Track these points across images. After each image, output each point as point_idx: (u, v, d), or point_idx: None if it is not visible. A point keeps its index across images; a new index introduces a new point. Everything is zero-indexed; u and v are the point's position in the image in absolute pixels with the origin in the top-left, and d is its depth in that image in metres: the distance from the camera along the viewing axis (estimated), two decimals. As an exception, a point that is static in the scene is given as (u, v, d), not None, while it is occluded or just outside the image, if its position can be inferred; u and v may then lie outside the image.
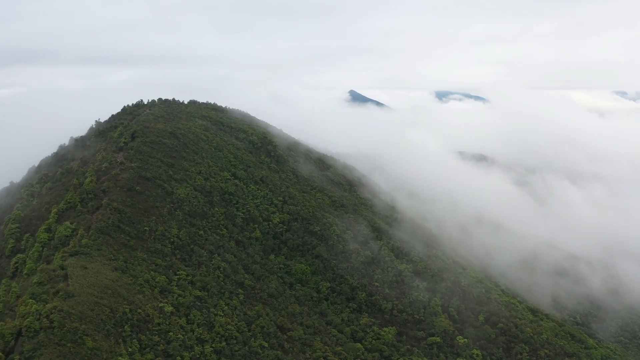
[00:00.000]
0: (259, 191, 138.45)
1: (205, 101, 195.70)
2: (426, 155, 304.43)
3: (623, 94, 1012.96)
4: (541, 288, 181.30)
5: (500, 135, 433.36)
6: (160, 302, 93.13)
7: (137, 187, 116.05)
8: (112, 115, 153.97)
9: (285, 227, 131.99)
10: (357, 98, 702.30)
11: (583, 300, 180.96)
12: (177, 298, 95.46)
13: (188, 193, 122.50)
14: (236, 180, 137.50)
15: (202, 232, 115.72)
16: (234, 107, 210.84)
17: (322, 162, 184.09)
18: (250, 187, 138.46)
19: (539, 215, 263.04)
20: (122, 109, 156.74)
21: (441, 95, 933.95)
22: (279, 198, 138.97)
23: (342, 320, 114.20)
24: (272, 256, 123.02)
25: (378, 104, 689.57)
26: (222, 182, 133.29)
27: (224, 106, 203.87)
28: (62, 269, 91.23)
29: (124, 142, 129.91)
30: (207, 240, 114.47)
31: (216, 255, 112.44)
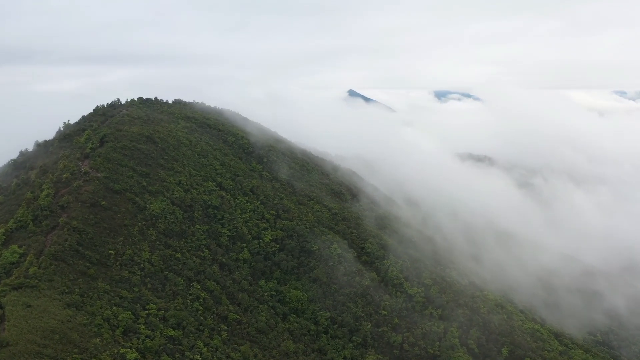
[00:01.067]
0: (249, 204, 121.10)
1: (192, 100, 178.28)
2: (426, 158, 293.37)
3: (622, 93, 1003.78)
4: (557, 303, 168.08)
5: (499, 135, 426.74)
6: (123, 346, 75.77)
7: (103, 202, 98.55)
8: (83, 117, 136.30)
9: (278, 246, 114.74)
10: (355, 98, 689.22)
11: (601, 317, 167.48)
12: (144, 341, 78.18)
13: (164, 208, 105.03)
14: (222, 192, 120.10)
15: (179, 254, 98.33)
16: (225, 108, 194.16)
17: (320, 168, 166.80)
18: (238, 199, 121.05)
19: (547, 221, 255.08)
20: (94, 109, 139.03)
21: (440, 95, 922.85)
22: (271, 212, 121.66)
23: (345, 358, 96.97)
24: (262, 282, 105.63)
25: (377, 103, 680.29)
26: (205, 194, 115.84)
27: (212, 106, 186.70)
28: (0, 307, 73.74)
29: (91, 148, 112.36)
30: (184, 265, 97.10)
31: (195, 282, 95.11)
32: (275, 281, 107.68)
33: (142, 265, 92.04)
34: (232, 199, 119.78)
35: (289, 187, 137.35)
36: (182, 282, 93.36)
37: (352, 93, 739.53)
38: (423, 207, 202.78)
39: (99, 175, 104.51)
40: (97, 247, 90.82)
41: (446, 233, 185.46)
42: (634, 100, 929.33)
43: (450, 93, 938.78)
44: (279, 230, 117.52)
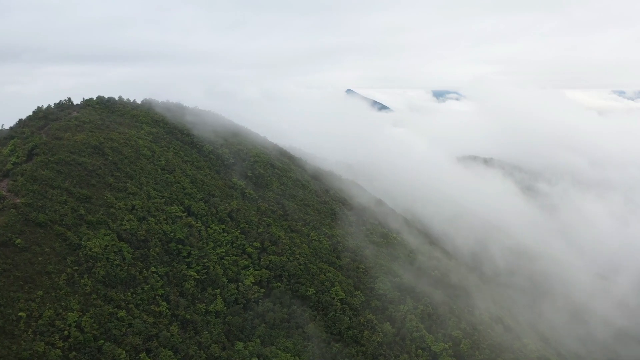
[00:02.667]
0: (225, 234, 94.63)
1: (165, 100, 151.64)
2: (425, 163, 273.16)
3: (621, 93, 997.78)
4: (595, 339, 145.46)
5: (497, 136, 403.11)
6: None
7: (18, 240, 72.08)
8: (20, 120, 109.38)
9: (263, 290, 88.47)
10: (353, 98, 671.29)
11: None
12: None
13: (107, 245, 78.51)
14: (190, 219, 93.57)
15: (123, 312, 71.87)
16: (206, 109, 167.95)
17: (316, 181, 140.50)
18: (212, 227, 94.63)
19: (561, 233, 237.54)
20: (33, 112, 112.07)
21: (438, 95, 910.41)
22: (254, 244, 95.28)
23: None
24: (239, 344, 79.14)
25: (374, 103, 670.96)
26: (166, 223, 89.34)
27: (191, 107, 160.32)
28: None
29: (14, 163, 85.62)
30: (130, 328, 70.65)
31: (143, 354, 68.59)
32: (257, 341, 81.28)
33: (66, 332, 65.59)
34: (203, 228, 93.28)
35: (279, 209, 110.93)
36: (124, 355, 66.88)
37: (350, 92, 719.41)
38: (431, 222, 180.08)
39: (17, 201, 77.90)
40: (1, 308, 64.31)
41: (462, 256, 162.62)
42: (632, 99, 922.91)
43: (449, 92, 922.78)
44: (264, 270, 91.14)
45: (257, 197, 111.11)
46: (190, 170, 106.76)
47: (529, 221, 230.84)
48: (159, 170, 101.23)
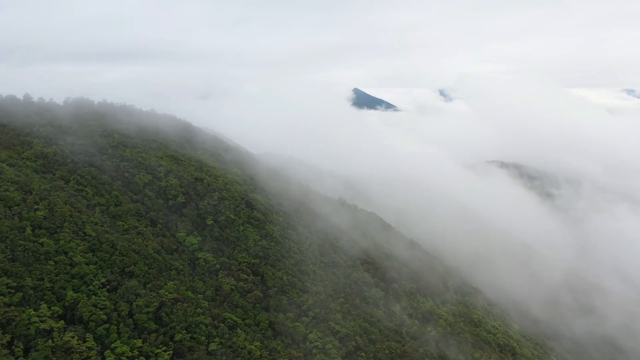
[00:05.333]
0: (140, 363, 48.72)
1: (102, 100, 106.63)
2: (436, 171, 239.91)
3: (630, 91, 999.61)
4: None
5: (507, 138, 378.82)
6: None
7: None
8: None
9: None
10: (361, 97, 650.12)
11: None
12: None
13: None
14: (70, 334, 47.67)
15: None
16: (172, 114, 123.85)
17: (321, 220, 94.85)
18: (115, 350, 48.77)
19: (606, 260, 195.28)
20: None
21: (446, 94, 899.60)
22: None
23: None
24: None
25: (383, 103, 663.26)
26: (10, 354, 43.56)
27: (146, 109, 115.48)
28: None
29: None
30: None
31: None
32: None
33: None
34: (94, 353, 47.46)
35: (256, 286, 65.25)
36: None
37: (357, 92, 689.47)
38: (459, 254, 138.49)
39: None
40: None
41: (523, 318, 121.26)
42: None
43: (456, 92, 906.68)
44: None
45: (217, 267, 65.41)
46: (94, 224, 60.79)
47: (565, 243, 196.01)
48: (29, 229, 55.55)
